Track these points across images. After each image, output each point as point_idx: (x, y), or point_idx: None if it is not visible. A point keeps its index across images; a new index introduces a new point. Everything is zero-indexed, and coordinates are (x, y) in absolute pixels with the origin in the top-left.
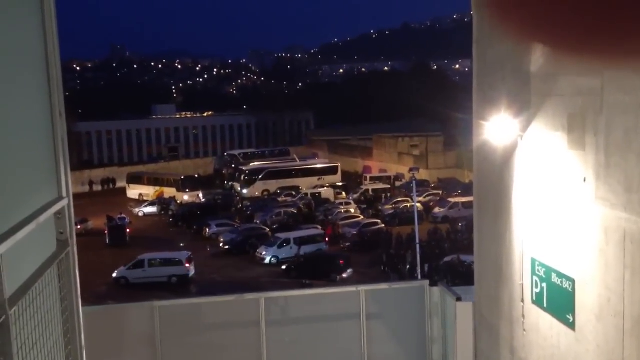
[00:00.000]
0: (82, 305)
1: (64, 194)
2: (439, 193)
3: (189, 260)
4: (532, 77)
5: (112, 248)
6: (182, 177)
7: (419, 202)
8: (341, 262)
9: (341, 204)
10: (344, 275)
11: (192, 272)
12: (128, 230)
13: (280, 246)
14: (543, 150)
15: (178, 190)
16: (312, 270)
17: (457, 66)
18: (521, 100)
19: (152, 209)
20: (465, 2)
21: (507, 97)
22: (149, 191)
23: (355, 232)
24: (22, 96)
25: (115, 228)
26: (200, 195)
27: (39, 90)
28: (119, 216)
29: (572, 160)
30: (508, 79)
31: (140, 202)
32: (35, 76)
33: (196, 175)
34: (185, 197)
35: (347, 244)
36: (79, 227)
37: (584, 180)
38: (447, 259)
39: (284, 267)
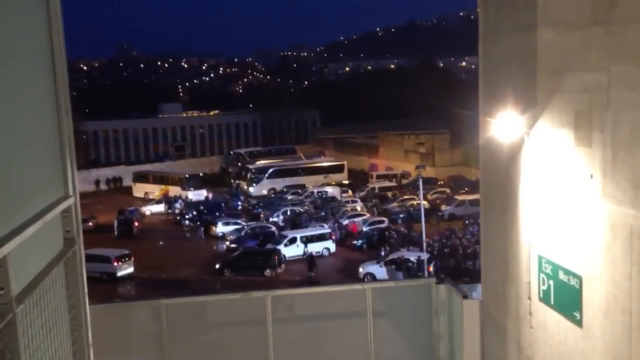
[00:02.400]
0: (89, 304)
1: (71, 193)
2: (445, 191)
3: (120, 259)
4: (538, 73)
5: (120, 241)
6: (187, 176)
7: (425, 200)
8: (275, 257)
9: (347, 202)
10: (279, 270)
11: (125, 271)
12: (136, 224)
13: (288, 244)
14: (549, 147)
15: (183, 189)
16: (245, 267)
17: (463, 63)
18: (527, 96)
19: (159, 208)
20: None
21: (513, 93)
22: (154, 190)
23: (362, 230)
24: (28, 95)
25: (123, 221)
26: (205, 193)
27: (45, 89)
28: (130, 208)
29: (579, 157)
30: (514, 76)
31: (146, 200)
32: (41, 75)
33: (201, 174)
34: (190, 196)
35: (354, 242)
36: (90, 223)
37: (591, 177)
38: (392, 255)
39: (217, 265)
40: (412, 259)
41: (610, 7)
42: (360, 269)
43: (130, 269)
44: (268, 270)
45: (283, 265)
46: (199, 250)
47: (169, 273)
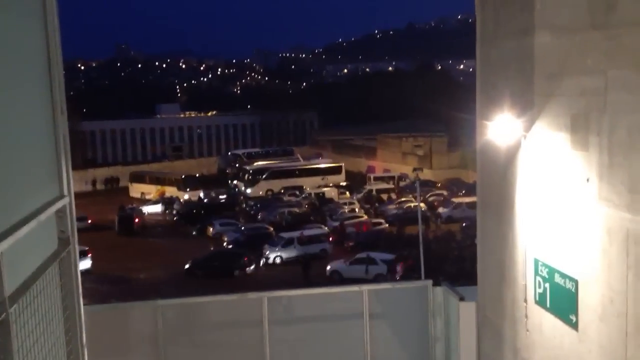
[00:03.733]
0: (84, 304)
1: (65, 193)
2: (443, 193)
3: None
4: (535, 76)
5: (120, 237)
6: (183, 177)
7: (423, 202)
8: (245, 258)
9: (345, 203)
10: (247, 271)
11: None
12: (137, 221)
13: (284, 246)
14: (546, 150)
15: (179, 190)
16: (214, 268)
17: (462, 66)
18: (524, 100)
19: (155, 208)
20: (469, 2)
21: (510, 97)
22: (150, 190)
23: (358, 232)
24: (23, 94)
25: (124, 218)
26: (201, 194)
27: (40, 88)
28: (130, 206)
29: (576, 160)
30: (511, 79)
31: (142, 201)
32: (37, 74)
33: (197, 175)
34: (186, 196)
35: (351, 243)
36: (89, 221)
37: (587, 181)
38: (359, 255)
39: (187, 266)
40: (378, 259)
41: (607, 11)
42: (328, 267)
43: (87, 265)
44: (237, 271)
45: (253, 267)
46: (188, 250)
47: (136, 271)
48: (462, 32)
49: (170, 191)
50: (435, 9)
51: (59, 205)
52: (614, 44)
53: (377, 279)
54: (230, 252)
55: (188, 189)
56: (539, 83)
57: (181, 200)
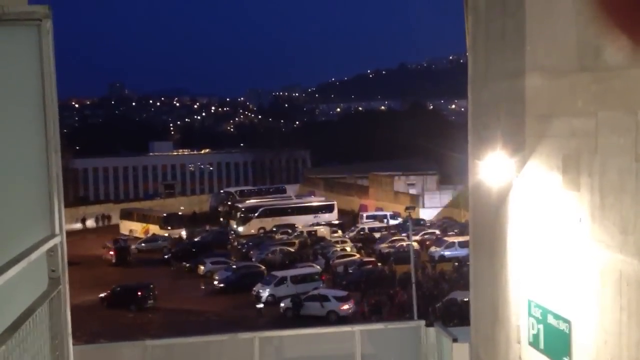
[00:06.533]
0: (73, 344)
1: (57, 231)
2: (435, 232)
3: None
4: (526, 117)
5: (117, 267)
6: (165, 215)
7: (415, 241)
8: (139, 293)
9: (337, 242)
10: (146, 306)
11: None
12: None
13: (277, 284)
14: (538, 190)
15: (161, 228)
16: (119, 301)
17: (453, 106)
18: (516, 140)
19: (145, 246)
20: (460, 43)
21: (501, 137)
22: (137, 227)
23: (350, 271)
24: (17, 132)
25: (120, 249)
26: (184, 232)
27: (34, 127)
28: (122, 238)
29: (567, 200)
30: (503, 120)
31: (131, 238)
32: (31, 113)
33: (179, 213)
34: (167, 234)
35: (344, 282)
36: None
37: (579, 221)
38: (312, 292)
39: (100, 296)
40: (330, 296)
41: (597, 54)
42: (282, 304)
43: None
44: (132, 306)
45: (151, 302)
46: (165, 287)
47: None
48: (453, 72)
49: (153, 229)
50: (426, 49)
51: (50, 244)
52: (604, 86)
53: (330, 315)
54: (130, 287)
55: (169, 227)
56: (530, 124)
57: (168, 238)
